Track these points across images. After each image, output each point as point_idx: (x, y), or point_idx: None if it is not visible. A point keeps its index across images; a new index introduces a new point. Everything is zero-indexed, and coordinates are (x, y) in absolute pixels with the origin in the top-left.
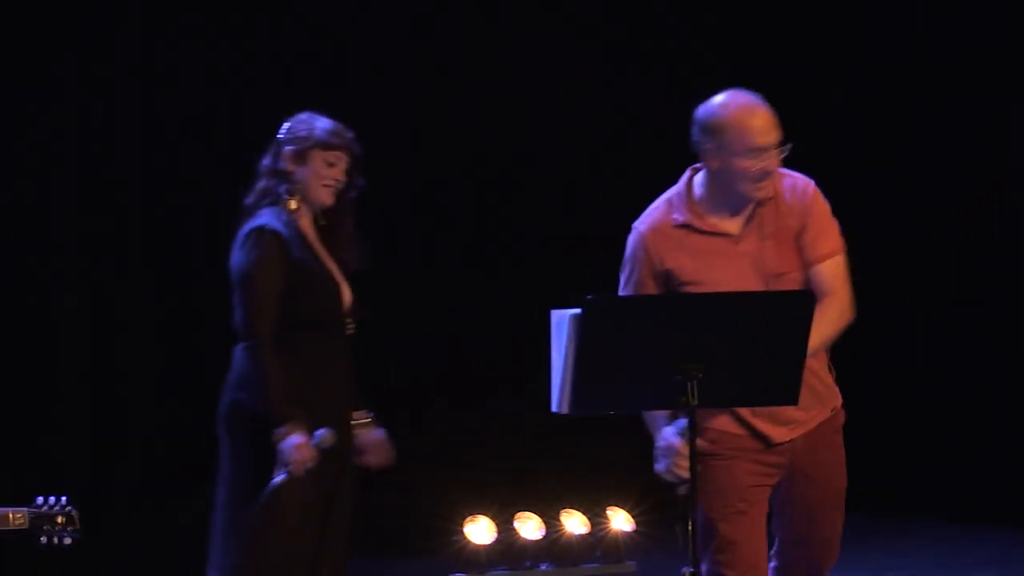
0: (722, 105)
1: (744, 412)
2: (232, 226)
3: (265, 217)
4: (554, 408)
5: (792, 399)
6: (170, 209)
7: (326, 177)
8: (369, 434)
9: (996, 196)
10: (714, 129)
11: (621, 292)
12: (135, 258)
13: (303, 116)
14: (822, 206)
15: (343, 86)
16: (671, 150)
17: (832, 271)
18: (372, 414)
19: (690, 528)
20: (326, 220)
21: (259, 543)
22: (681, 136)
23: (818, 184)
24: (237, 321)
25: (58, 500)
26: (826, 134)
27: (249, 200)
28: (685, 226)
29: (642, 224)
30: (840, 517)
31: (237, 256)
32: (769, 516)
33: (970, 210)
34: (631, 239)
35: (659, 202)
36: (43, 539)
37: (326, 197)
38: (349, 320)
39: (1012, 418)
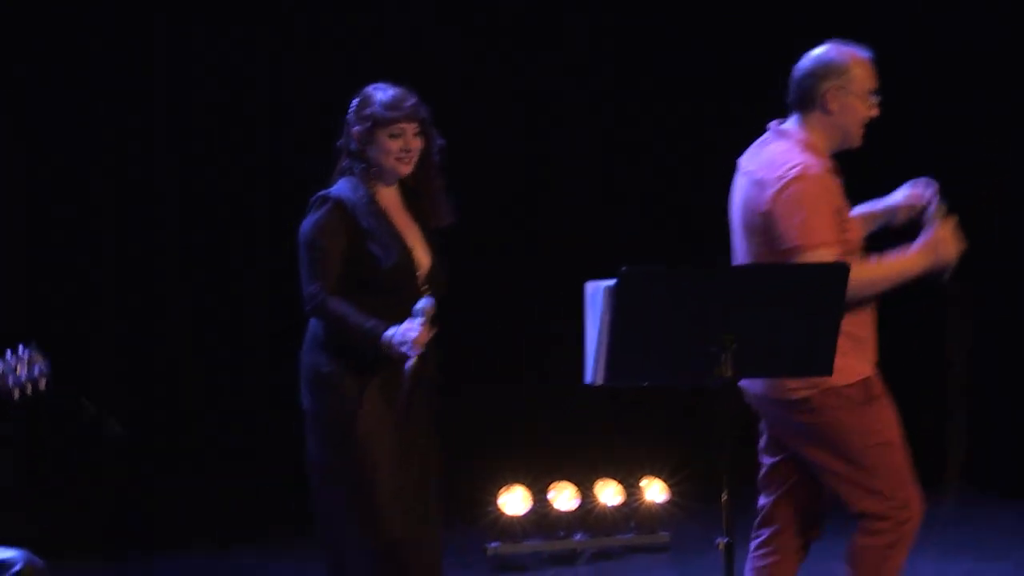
0: (844, 51)
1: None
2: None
3: (336, 187)
4: (588, 379)
5: (827, 370)
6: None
7: (394, 151)
8: None
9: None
10: (839, 71)
11: (816, 233)
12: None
13: (366, 91)
14: None
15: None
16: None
17: None
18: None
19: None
20: (415, 184)
21: (351, 487)
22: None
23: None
24: (302, 284)
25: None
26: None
27: (333, 179)
28: (830, 171)
29: (809, 168)
30: None
31: (303, 222)
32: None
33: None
34: (807, 183)
35: (792, 151)
36: (16, 392)
37: (402, 168)
38: (424, 286)
39: None
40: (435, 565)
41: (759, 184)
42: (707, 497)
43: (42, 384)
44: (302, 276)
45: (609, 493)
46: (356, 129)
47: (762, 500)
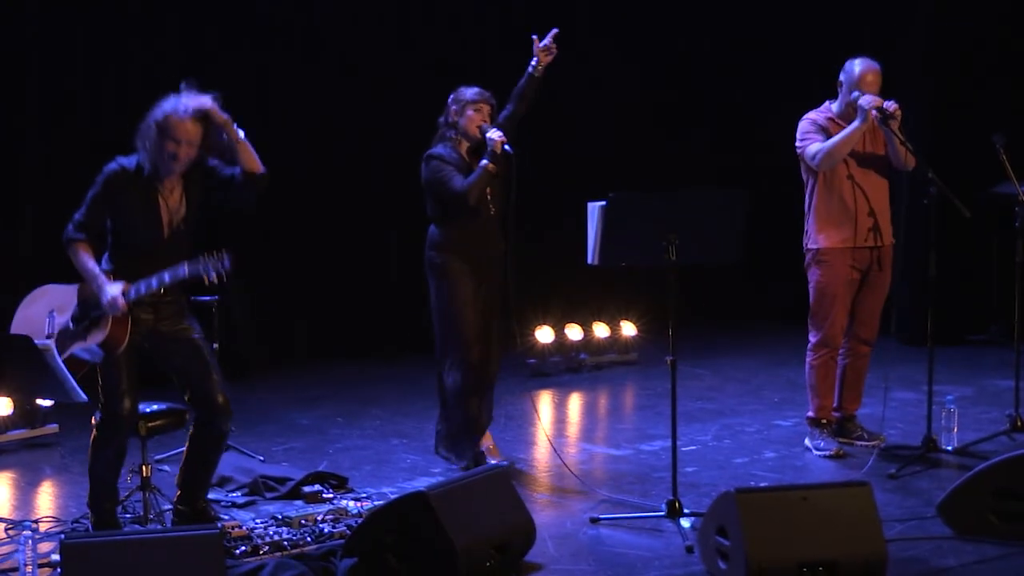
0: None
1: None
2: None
3: (438, 148)
4: (589, 261)
5: (733, 256)
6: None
7: (474, 119)
8: None
9: None
10: (847, 70)
11: (808, 140)
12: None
13: (461, 88)
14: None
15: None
16: None
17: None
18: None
19: (670, 332)
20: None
21: (451, 327)
22: None
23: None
24: (429, 208)
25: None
26: None
27: (435, 139)
28: (831, 120)
29: (811, 114)
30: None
31: (423, 170)
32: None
33: None
34: (806, 120)
35: (815, 112)
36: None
37: (473, 132)
38: (492, 205)
39: None
40: (495, 373)
41: None
42: (660, 331)
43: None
44: (427, 203)
45: (601, 329)
46: (453, 108)
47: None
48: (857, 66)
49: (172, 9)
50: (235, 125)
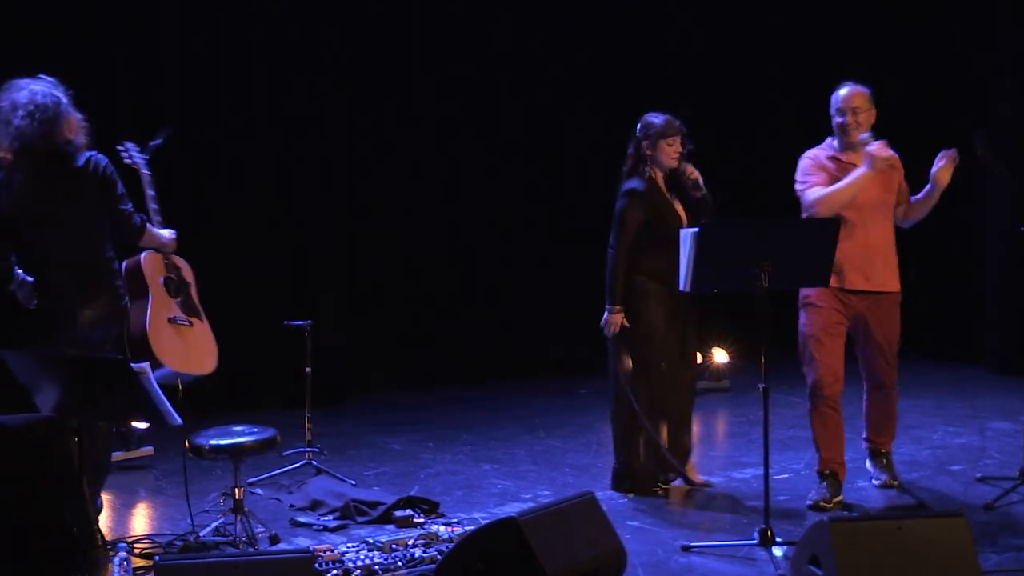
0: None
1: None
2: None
3: (634, 182)
4: (681, 287)
5: (824, 282)
6: None
7: (670, 153)
8: None
9: None
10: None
11: (808, 182)
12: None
13: (647, 117)
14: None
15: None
16: None
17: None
18: None
19: (762, 360)
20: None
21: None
22: None
23: None
24: (611, 242)
25: None
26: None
27: (625, 170)
28: (832, 159)
29: (812, 151)
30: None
31: (618, 203)
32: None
33: None
34: (807, 158)
35: (817, 148)
36: None
37: (672, 164)
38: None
39: None
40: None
41: None
42: (752, 358)
43: None
44: (612, 235)
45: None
46: (645, 143)
47: None
48: (842, 90)
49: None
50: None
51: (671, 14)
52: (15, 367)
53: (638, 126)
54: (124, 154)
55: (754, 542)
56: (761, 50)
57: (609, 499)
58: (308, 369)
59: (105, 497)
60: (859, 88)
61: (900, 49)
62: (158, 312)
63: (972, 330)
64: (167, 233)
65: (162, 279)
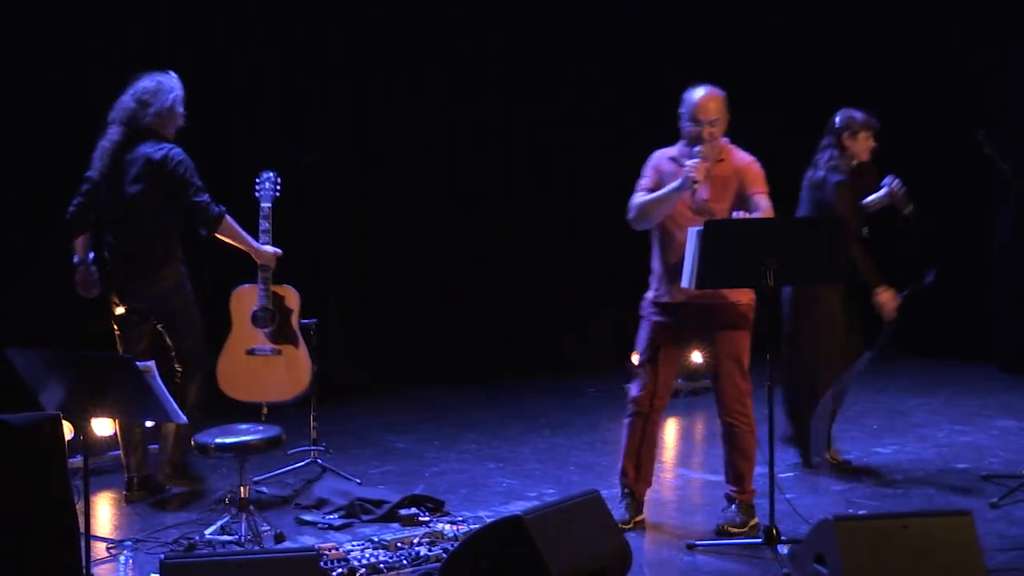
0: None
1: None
2: None
3: (839, 175)
4: (684, 284)
5: (832, 278)
6: None
7: (866, 146)
8: None
9: None
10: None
11: (639, 185)
12: None
13: (847, 111)
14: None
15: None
16: None
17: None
18: None
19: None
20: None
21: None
22: None
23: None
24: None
25: None
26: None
27: (822, 160)
28: (673, 160)
29: (659, 151)
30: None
31: (827, 195)
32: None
33: None
34: (651, 157)
35: (665, 149)
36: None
37: (866, 157)
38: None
39: None
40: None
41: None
42: (757, 357)
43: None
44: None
45: (697, 355)
46: (845, 133)
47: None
48: (697, 94)
49: None
50: None
51: (672, 14)
52: (21, 365)
53: (836, 118)
54: (258, 182)
55: (759, 541)
56: (761, 50)
57: (614, 498)
58: (314, 367)
59: (110, 496)
60: (714, 93)
61: (900, 49)
62: (235, 347)
63: (978, 328)
64: (269, 249)
65: (253, 310)
